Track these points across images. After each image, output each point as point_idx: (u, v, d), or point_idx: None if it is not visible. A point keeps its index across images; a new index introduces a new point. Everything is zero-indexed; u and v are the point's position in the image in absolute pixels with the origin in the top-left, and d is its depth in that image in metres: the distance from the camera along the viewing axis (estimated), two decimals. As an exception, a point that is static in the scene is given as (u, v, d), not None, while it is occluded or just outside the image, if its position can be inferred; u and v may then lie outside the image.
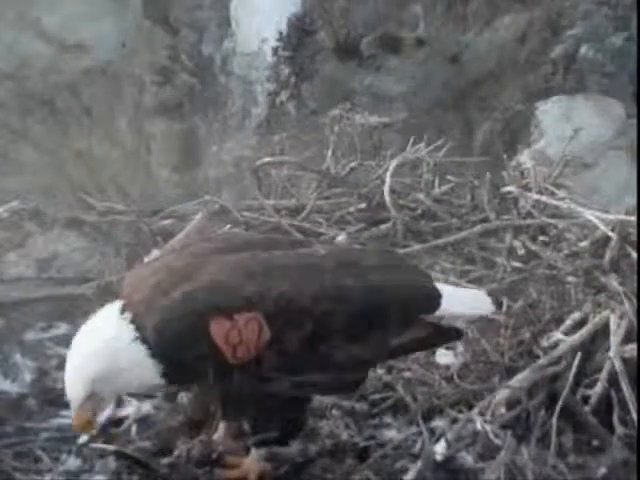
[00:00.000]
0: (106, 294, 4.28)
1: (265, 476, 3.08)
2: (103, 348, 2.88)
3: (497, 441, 3.20)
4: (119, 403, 3.49)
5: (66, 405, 3.57)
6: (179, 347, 2.83)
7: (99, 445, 3.29)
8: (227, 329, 2.80)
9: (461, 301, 3.23)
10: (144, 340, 2.85)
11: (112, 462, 3.23)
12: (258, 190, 5.27)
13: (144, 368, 2.87)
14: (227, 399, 3.06)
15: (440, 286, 3.17)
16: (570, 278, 4.18)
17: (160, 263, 3.08)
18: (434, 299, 3.09)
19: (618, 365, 3.41)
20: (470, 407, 3.40)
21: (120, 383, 2.92)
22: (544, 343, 3.67)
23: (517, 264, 4.47)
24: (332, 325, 2.90)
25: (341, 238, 4.68)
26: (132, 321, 2.88)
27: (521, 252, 4.59)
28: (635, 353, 3.48)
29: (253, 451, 3.08)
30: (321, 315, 2.88)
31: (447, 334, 3.20)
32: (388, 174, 5.05)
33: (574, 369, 3.45)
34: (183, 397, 3.52)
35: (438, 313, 3.11)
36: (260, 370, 2.86)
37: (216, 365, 2.83)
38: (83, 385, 2.88)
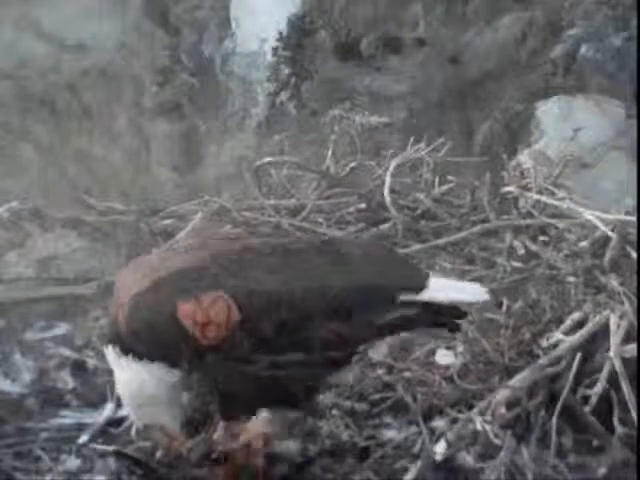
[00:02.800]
0: (106, 294, 4.29)
1: (267, 440, 3.07)
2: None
3: (497, 441, 3.20)
4: (119, 403, 3.50)
5: (66, 405, 3.60)
6: (151, 335, 2.85)
7: (99, 447, 3.30)
8: (193, 310, 2.81)
9: (453, 287, 3.20)
10: (122, 345, 2.90)
11: (112, 462, 3.23)
12: (258, 190, 5.27)
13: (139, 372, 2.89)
14: (221, 394, 3.07)
15: (433, 277, 3.14)
16: (570, 278, 4.17)
17: (144, 261, 3.14)
18: (419, 277, 3.09)
19: (618, 365, 3.41)
20: (470, 407, 3.40)
21: (148, 403, 2.97)
22: (544, 343, 3.67)
23: (517, 264, 4.47)
24: (309, 308, 2.90)
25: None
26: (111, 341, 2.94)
27: (521, 252, 4.59)
28: (635, 353, 3.48)
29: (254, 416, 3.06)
30: (296, 299, 2.88)
31: (442, 313, 3.13)
32: (388, 174, 5.05)
33: (574, 369, 3.45)
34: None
35: (426, 296, 3.07)
36: (235, 350, 2.86)
37: (189, 349, 2.84)
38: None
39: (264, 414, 3.06)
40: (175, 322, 2.81)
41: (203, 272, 2.89)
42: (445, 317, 3.19)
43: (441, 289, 3.10)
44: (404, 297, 3.04)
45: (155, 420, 3.05)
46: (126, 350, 2.90)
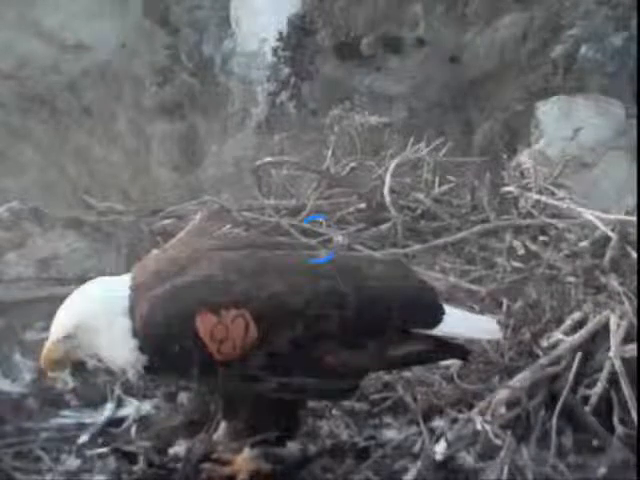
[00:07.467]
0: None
1: (259, 475, 3.08)
2: (99, 302, 2.97)
3: (497, 441, 3.20)
4: (119, 403, 3.50)
5: (66, 405, 3.60)
6: (163, 338, 2.84)
7: (98, 451, 3.30)
8: (213, 324, 2.82)
9: (466, 323, 3.18)
10: (132, 318, 2.88)
11: (112, 462, 3.23)
12: (258, 190, 5.27)
13: (126, 342, 2.89)
14: (223, 398, 3.07)
15: (447, 307, 3.13)
16: (570, 278, 4.18)
17: (165, 253, 3.17)
18: (435, 315, 3.07)
19: (618, 365, 3.41)
20: (470, 407, 3.40)
21: (100, 344, 2.94)
22: (544, 343, 3.67)
23: (517, 264, 4.47)
24: (324, 330, 2.90)
25: (339, 239, 4.68)
26: (130, 297, 2.92)
27: (521, 252, 4.59)
28: (635, 353, 3.48)
29: (246, 450, 3.07)
30: (313, 319, 2.88)
31: (450, 350, 3.16)
32: (388, 174, 5.05)
33: (574, 369, 3.45)
34: (183, 397, 3.52)
35: (439, 331, 3.07)
36: (246, 368, 2.86)
37: (201, 360, 2.84)
38: (66, 323, 2.97)
39: (256, 451, 3.07)
40: (191, 333, 2.81)
41: (226, 284, 2.87)
42: (451, 354, 3.22)
43: (455, 325, 3.09)
44: (418, 331, 3.05)
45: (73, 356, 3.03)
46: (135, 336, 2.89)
